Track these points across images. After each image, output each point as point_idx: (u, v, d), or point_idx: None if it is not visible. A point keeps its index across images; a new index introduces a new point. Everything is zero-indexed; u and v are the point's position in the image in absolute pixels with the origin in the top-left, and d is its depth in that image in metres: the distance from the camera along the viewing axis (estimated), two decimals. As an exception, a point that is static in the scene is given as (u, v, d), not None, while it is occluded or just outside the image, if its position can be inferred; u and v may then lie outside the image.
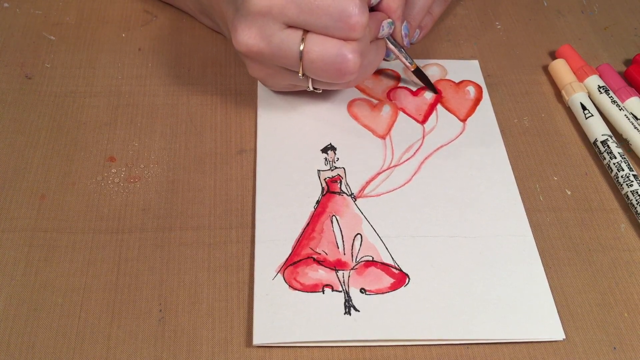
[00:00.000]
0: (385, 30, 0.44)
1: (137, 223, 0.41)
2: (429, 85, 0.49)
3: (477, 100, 0.49)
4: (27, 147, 0.45)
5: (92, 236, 0.40)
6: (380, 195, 0.43)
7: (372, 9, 0.44)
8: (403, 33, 0.46)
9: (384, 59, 0.50)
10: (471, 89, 0.50)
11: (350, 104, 0.48)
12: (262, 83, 0.46)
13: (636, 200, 0.43)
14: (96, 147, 0.45)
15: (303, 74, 0.41)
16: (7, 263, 0.39)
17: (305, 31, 0.40)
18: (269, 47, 0.40)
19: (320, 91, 0.45)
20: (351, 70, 0.40)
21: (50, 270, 0.39)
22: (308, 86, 0.44)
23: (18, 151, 0.44)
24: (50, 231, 0.40)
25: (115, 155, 0.44)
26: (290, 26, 0.40)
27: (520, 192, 0.44)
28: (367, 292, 0.38)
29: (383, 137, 0.46)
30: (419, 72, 0.48)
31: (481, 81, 0.50)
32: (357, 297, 0.38)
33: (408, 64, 0.47)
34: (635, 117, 0.47)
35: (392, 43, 0.46)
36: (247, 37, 0.40)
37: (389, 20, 0.44)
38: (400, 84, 0.50)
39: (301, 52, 0.40)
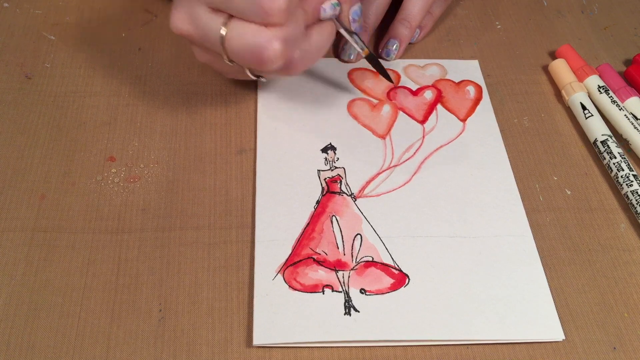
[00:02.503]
0: (328, 12, 0.40)
1: (137, 223, 0.41)
2: (383, 73, 0.47)
3: (477, 100, 0.49)
4: (27, 147, 0.45)
5: (92, 236, 0.40)
6: (380, 195, 0.43)
7: None
8: (351, 18, 0.42)
9: (385, 59, 0.51)
10: (471, 89, 0.50)
11: (350, 104, 0.48)
12: (213, 70, 0.45)
13: (636, 200, 0.42)
14: (96, 146, 0.45)
15: (230, 60, 0.39)
16: (7, 263, 0.39)
17: (231, 16, 0.38)
18: (196, 31, 0.39)
19: (265, 80, 0.44)
20: (271, 59, 0.37)
21: (50, 270, 0.39)
22: (247, 74, 0.41)
23: (18, 151, 0.44)
24: (50, 231, 0.40)
25: (115, 155, 0.44)
26: (215, 10, 0.38)
27: (520, 192, 0.44)
28: (367, 293, 0.38)
29: (383, 137, 0.46)
30: (372, 59, 0.46)
31: (481, 81, 0.50)
32: (357, 298, 0.38)
33: (359, 49, 0.45)
34: (635, 117, 0.47)
35: (342, 26, 0.43)
36: (178, 19, 0.39)
37: (333, 1, 0.40)
38: (400, 84, 0.50)
39: (222, 38, 0.38)
